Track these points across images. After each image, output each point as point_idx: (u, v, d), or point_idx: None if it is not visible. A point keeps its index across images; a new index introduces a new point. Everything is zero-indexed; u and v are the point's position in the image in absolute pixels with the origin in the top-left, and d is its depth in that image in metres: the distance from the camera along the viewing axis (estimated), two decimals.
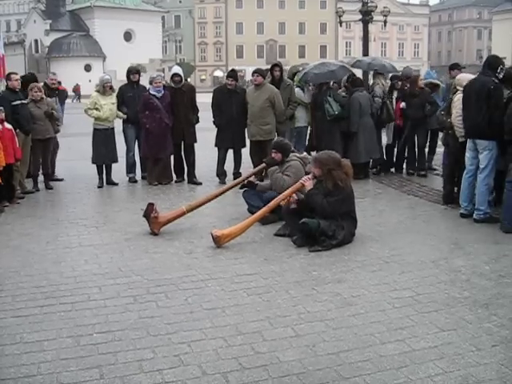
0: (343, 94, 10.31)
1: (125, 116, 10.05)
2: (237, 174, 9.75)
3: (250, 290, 5.02)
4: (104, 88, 9.81)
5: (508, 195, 6.82)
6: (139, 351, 3.91)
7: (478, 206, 7.16)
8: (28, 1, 70.51)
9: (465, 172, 7.48)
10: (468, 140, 7.34)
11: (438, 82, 10.99)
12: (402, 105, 10.22)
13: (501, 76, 7.10)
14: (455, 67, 10.53)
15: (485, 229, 6.88)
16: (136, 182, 10.25)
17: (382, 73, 11.98)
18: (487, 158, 7.05)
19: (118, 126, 10.45)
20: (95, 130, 9.94)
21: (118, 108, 9.99)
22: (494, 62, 7.21)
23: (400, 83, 10.51)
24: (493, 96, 6.89)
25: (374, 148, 10.28)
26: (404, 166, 10.81)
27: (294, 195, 6.71)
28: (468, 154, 7.38)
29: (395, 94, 10.48)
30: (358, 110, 9.96)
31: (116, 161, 10.09)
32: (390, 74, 11.48)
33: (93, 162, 10.12)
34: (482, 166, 7.12)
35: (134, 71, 10.38)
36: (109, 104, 9.76)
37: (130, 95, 10.10)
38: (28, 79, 10.20)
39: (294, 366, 3.68)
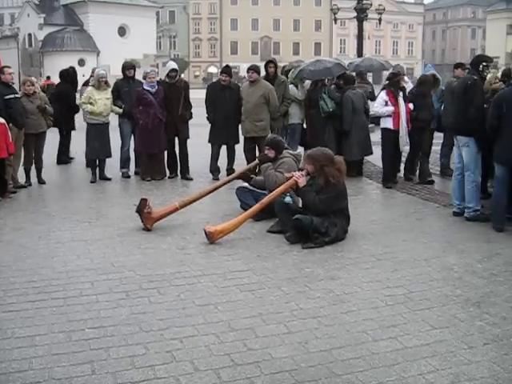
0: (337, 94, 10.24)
1: (121, 111, 10.03)
2: (230, 171, 9.73)
3: (243, 286, 5.02)
4: (99, 83, 9.77)
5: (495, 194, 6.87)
6: (131, 347, 3.90)
7: (468, 203, 7.19)
8: None
9: (454, 170, 7.52)
10: (454, 138, 7.41)
11: (439, 77, 10.57)
12: (411, 106, 9.34)
13: (485, 74, 7.15)
14: (459, 66, 10.05)
15: (477, 227, 6.90)
16: (129, 177, 10.22)
17: (354, 72, 12.23)
18: (468, 154, 7.07)
19: (114, 120, 10.42)
20: (89, 124, 9.89)
21: (115, 103, 9.96)
22: (475, 62, 7.26)
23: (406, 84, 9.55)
24: (468, 92, 6.92)
25: (368, 146, 10.28)
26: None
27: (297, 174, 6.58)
28: (455, 152, 7.44)
29: (401, 94, 9.34)
30: (351, 108, 9.95)
31: (109, 156, 10.04)
32: (390, 71, 11.00)
33: (86, 157, 10.08)
34: (465, 163, 7.14)
35: (129, 66, 10.36)
36: (103, 99, 9.71)
37: (126, 90, 10.08)
38: (68, 73, 11.74)
39: (286, 363, 3.68)
